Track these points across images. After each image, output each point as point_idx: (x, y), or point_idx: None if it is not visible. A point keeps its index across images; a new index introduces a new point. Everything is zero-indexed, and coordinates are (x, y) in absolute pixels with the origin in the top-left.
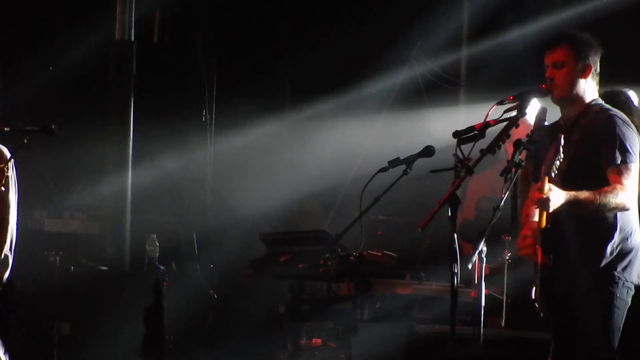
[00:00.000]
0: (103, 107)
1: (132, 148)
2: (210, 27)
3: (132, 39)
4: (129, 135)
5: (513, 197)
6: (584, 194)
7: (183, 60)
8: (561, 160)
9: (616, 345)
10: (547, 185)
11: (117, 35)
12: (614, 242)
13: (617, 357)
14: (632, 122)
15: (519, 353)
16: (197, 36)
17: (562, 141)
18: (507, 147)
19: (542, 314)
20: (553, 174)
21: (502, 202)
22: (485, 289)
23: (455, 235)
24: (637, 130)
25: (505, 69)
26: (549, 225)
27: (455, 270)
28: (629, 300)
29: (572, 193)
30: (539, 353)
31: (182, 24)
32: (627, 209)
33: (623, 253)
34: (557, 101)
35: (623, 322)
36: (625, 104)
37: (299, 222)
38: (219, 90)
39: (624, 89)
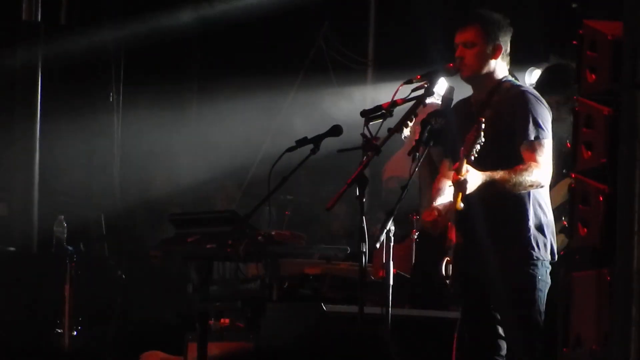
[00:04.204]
0: (10, 88)
1: (39, 130)
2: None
3: (39, 19)
4: (37, 116)
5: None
6: (499, 174)
7: (90, 41)
8: (482, 144)
9: (542, 326)
10: (465, 167)
11: (24, 16)
12: (530, 222)
13: (543, 337)
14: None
15: (426, 332)
16: (104, 17)
17: (483, 125)
18: (415, 128)
19: (452, 291)
20: (472, 157)
21: (410, 181)
22: (394, 268)
23: (364, 217)
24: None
25: (413, 47)
26: (464, 206)
27: (364, 250)
28: (549, 279)
29: (488, 173)
30: (446, 331)
31: (90, 5)
32: (542, 186)
33: (539, 232)
34: (466, 79)
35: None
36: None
37: (218, 200)
38: (126, 70)
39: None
